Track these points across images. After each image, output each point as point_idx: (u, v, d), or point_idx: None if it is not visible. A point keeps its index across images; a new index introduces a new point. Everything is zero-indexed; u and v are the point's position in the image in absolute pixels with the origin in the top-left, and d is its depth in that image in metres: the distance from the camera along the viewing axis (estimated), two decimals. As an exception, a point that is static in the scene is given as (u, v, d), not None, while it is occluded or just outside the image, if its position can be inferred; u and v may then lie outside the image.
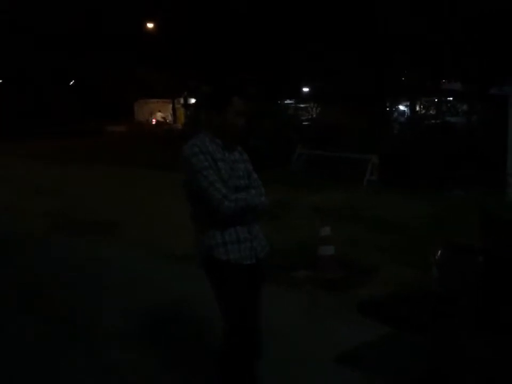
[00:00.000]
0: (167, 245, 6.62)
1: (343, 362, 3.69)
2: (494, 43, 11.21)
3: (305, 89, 24.89)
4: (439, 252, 3.07)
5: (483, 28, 11.54)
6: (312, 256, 5.58)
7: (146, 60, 22.24)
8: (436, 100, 24.71)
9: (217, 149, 2.75)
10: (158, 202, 9.38)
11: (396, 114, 22.25)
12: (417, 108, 23.98)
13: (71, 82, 34.55)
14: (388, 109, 18.97)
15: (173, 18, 18.70)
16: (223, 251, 2.71)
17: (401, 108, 25.94)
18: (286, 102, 21.64)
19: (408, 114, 22.88)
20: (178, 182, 2.86)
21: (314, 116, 20.26)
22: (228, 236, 2.72)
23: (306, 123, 18.34)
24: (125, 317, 4.54)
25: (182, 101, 29.46)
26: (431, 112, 24.22)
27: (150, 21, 24.13)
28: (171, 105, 33.28)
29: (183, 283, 5.27)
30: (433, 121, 18.69)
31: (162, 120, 33.20)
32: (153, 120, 33.93)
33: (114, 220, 8.04)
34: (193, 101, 21.11)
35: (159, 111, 34.89)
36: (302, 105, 25.50)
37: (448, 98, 25.93)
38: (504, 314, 2.53)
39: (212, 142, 2.75)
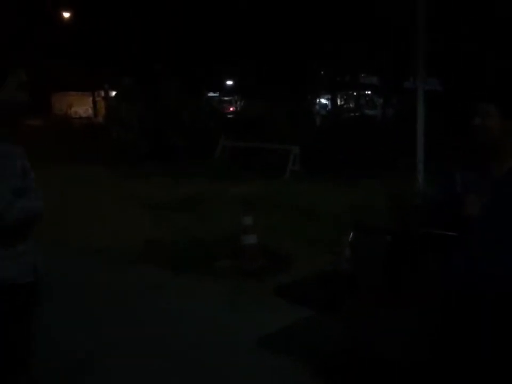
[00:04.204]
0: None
1: (265, 346, 3.76)
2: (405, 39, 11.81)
3: (229, 83, 24.99)
4: (351, 233, 3.21)
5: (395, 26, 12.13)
6: (235, 246, 5.65)
7: (62, 51, 21.33)
8: (355, 94, 25.61)
9: None
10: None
11: (317, 107, 22.89)
12: (338, 101, 24.71)
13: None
14: (309, 101, 19.43)
15: (89, 8, 18.09)
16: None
17: (323, 101, 26.71)
18: (209, 95, 21.60)
19: (329, 107, 23.60)
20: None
21: (238, 108, 20.38)
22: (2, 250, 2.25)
23: (230, 116, 18.41)
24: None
25: (102, 93, 28.58)
26: (350, 105, 25.06)
27: (66, 11, 23.18)
28: (91, 98, 32.16)
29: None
30: (352, 114, 19.39)
31: (82, 113, 31.99)
32: (72, 114, 32.60)
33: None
34: (114, 93, 20.52)
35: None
36: (226, 98, 25.54)
37: (366, 92, 26.97)
38: (405, 288, 2.69)
39: None
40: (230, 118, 17.11)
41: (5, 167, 2.19)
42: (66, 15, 24.11)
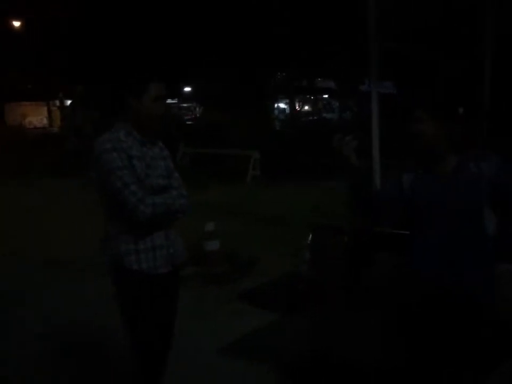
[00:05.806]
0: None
1: (228, 351, 3.77)
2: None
3: (187, 89, 24.85)
4: (310, 236, 3.26)
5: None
6: (199, 252, 5.63)
7: (15, 59, 20.77)
8: (312, 98, 25.95)
9: (134, 144, 2.45)
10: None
11: (276, 112, 23.09)
12: (296, 106, 24.98)
13: None
14: (268, 107, 19.60)
15: (42, 17, 17.70)
16: (135, 259, 2.45)
17: (282, 105, 26.96)
18: (168, 101, 21.47)
19: (288, 112, 23.85)
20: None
21: (197, 115, 20.32)
22: (141, 243, 2.46)
23: (189, 122, 18.35)
24: None
25: (57, 103, 27.98)
26: (307, 108, 25.35)
27: (17, 19, 22.60)
28: (46, 108, 31.46)
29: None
30: (310, 117, 19.67)
31: (36, 124, 31.23)
32: (27, 124, 31.78)
33: None
34: (69, 102, 20.12)
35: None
36: (184, 105, 25.40)
37: (324, 96, 27.36)
38: (364, 289, 2.76)
39: (129, 136, 2.45)
40: (189, 124, 17.05)
41: (153, 167, 2.49)
42: (16, 23, 23.53)
